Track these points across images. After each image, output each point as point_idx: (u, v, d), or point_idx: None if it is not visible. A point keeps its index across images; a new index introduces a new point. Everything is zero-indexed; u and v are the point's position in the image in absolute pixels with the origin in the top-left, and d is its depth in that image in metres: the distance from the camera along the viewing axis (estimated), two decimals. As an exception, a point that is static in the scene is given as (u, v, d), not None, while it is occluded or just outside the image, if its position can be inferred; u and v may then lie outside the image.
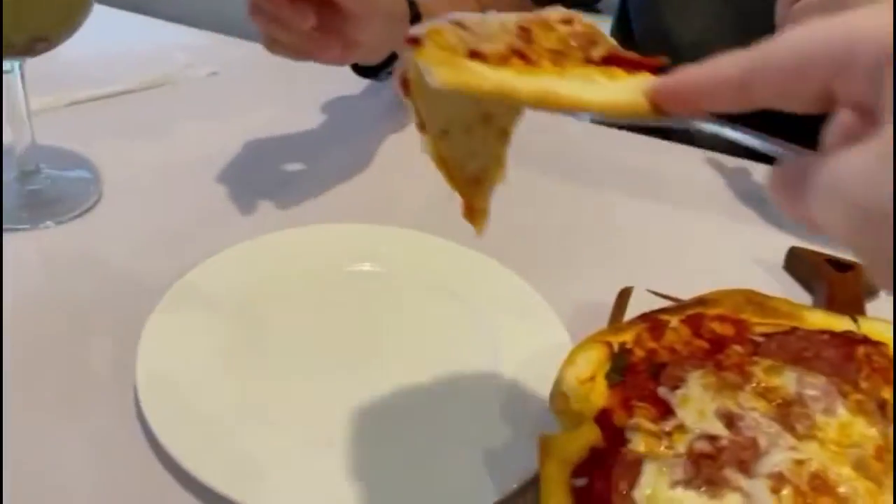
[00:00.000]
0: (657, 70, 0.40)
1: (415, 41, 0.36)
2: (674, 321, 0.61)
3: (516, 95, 0.34)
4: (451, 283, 0.67)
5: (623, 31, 1.13)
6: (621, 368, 0.57)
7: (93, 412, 0.55)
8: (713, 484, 0.48)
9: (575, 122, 1.14)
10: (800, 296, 0.73)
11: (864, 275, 0.72)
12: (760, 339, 0.61)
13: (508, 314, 0.63)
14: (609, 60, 0.39)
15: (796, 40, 0.28)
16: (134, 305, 0.63)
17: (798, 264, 0.75)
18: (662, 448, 0.51)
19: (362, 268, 0.66)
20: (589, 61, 0.38)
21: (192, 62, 1.06)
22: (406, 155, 0.89)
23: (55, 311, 0.64)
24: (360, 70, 0.90)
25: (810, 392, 0.56)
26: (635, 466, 0.49)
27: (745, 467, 0.50)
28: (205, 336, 0.59)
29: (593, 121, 1.20)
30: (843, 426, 0.54)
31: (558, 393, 0.53)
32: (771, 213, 0.85)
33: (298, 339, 0.60)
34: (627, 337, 0.60)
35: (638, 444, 0.51)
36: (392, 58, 0.86)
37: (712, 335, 0.61)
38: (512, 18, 0.39)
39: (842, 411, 0.55)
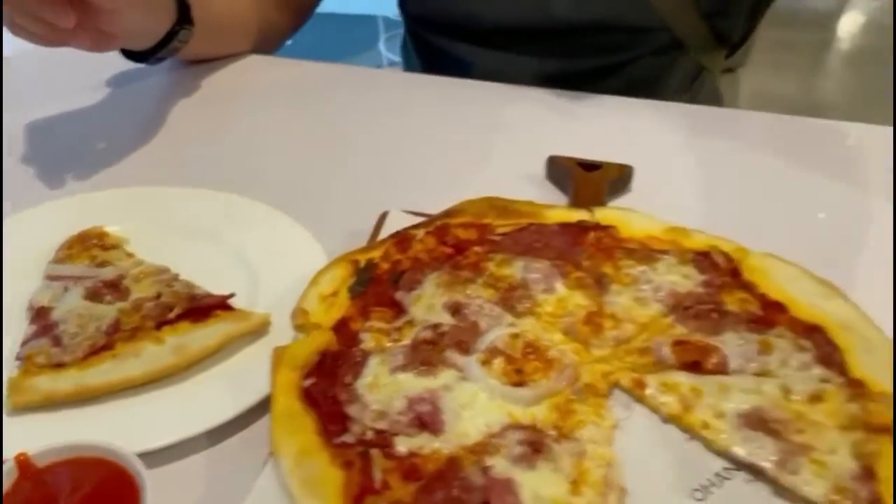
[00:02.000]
0: (225, 306, 0.59)
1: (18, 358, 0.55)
2: (420, 234, 0.66)
3: (56, 399, 0.52)
4: (208, 228, 0.69)
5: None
6: (365, 281, 0.61)
7: None
8: (430, 364, 0.53)
9: (312, 64, 1.11)
10: (561, 200, 0.78)
11: (612, 173, 0.78)
12: (498, 237, 0.66)
13: (269, 249, 0.66)
14: (183, 316, 0.57)
15: None
16: None
17: (555, 171, 0.81)
18: (389, 342, 0.55)
19: (112, 229, 0.67)
20: (164, 323, 0.57)
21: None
22: (190, 122, 0.91)
23: None
24: (130, 55, 0.91)
25: (533, 276, 0.61)
26: (361, 361, 0.53)
27: (464, 347, 0.55)
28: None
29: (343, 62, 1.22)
30: (561, 300, 0.60)
31: (298, 310, 0.57)
32: (531, 129, 0.90)
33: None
34: (376, 253, 0.64)
35: (368, 342, 0.55)
36: (161, 43, 0.88)
37: (457, 241, 0.66)
38: (108, 317, 0.57)
39: (561, 288, 0.61)
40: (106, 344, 0.55)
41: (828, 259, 0.64)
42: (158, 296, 0.59)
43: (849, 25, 4.13)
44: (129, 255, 0.64)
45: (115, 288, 0.59)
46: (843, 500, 0.45)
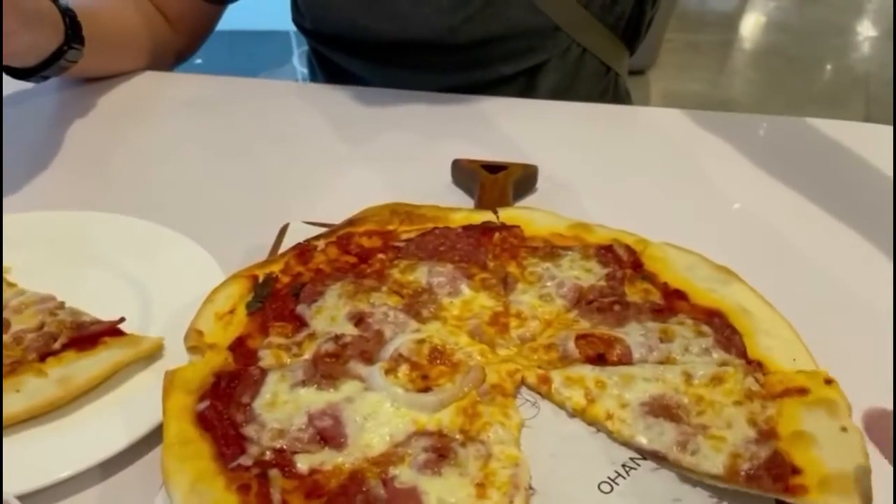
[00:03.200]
0: (115, 331, 0.56)
1: None
2: (322, 244, 0.64)
3: None
4: (97, 251, 0.66)
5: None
6: (263, 296, 0.59)
7: None
8: (332, 377, 0.51)
9: (207, 78, 1.08)
10: (468, 204, 0.78)
11: (517, 174, 0.78)
12: (403, 244, 0.65)
13: (162, 270, 0.63)
14: (70, 345, 0.54)
15: None
16: None
17: (460, 174, 0.80)
18: (288, 358, 0.53)
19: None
20: (48, 354, 0.53)
21: None
22: (80, 142, 0.87)
23: None
24: (14, 72, 0.87)
25: (438, 280, 0.60)
26: (259, 379, 0.51)
27: (367, 357, 0.53)
28: None
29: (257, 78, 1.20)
30: (466, 303, 0.59)
31: (192, 331, 0.54)
32: (435, 134, 0.89)
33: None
34: (276, 267, 0.62)
35: (267, 359, 0.53)
36: (47, 62, 0.84)
37: (360, 249, 0.64)
38: None
39: (466, 291, 0.60)
40: (-19, 382, 0.51)
41: (733, 248, 0.65)
42: (41, 326, 0.55)
43: (750, 25, 4.32)
44: (11, 285, 0.60)
45: (-7, 321, 0.55)
46: (742, 463, 0.45)
